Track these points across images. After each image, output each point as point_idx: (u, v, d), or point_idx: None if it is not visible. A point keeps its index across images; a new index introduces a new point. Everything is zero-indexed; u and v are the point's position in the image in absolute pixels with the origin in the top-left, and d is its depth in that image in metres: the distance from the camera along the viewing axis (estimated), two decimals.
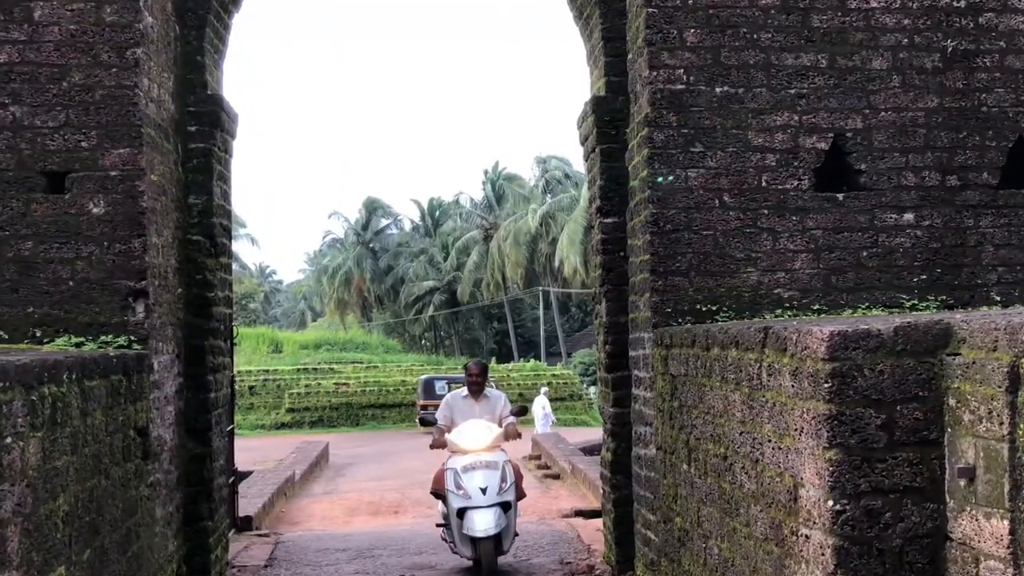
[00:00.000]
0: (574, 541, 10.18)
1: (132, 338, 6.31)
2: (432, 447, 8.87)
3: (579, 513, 12.07)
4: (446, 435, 8.62)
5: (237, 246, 58.97)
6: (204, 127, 7.70)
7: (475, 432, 8.48)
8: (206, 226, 7.70)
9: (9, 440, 4.06)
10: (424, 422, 9.52)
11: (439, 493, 8.56)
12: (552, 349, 56.39)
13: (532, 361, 46.54)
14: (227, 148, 8.22)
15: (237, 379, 22.67)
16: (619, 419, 7.99)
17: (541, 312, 56.09)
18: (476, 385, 8.95)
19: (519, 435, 8.94)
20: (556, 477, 17.11)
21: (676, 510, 6.28)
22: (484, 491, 8.03)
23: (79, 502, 4.91)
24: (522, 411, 9.24)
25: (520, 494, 8.53)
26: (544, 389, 28.65)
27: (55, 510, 4.56)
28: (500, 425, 8.70)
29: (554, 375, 39.94)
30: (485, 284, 56.74)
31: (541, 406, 26.95)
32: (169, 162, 7.16)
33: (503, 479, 8.15)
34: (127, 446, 5.83)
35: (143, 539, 6.05)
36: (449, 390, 34.98)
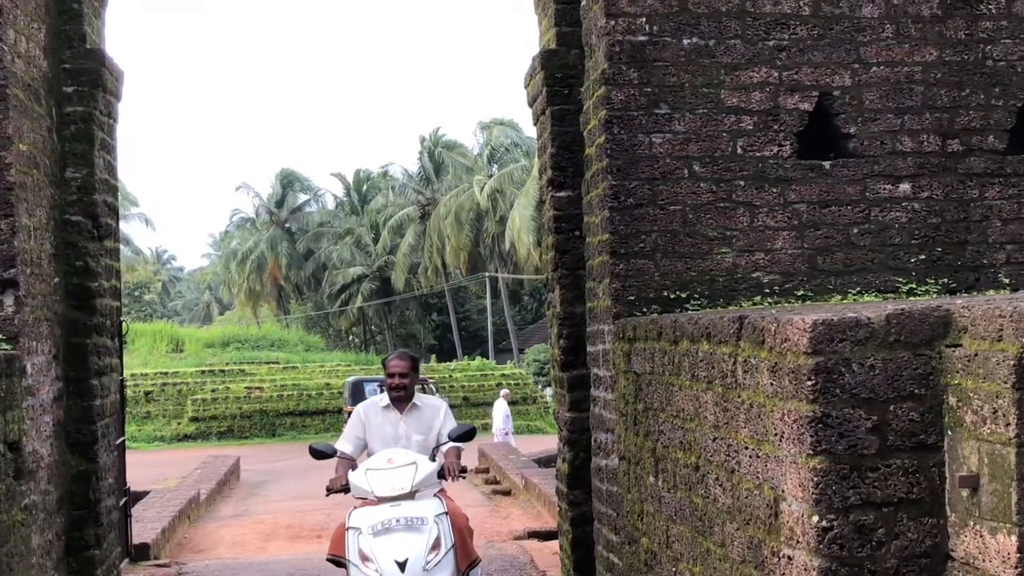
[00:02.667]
0: (527, 567, 10.20)
1: (0, 337, 6.21)
2: (328, 491, 6.72)
3: (533, 535, 12.11)
4: (350, 473, 6.54)
5: (126, 227, 58.41)
6: (83, 87, 7.58)
7: (392, 472, 6.37)
8: (87, 204, 7.59)
9: None
10: (317, 452, 6.87)
11: (339, 560, 6.52)
12: (502, 345, 56.45)
13: (479, 359, 46.53)
14: (111, 112, 8.09)
15: (129, 383, 22.42)
16: (576, 425, 8.00)
17: (488, 302, 56.10)
18: (401, 390, 6.89)
19: (464, 470, 6.80)
20: (507, 493, 17.13)
21: (642, 529, 6.31)
22: (403, 566, 6.04)
23: None
24: (469, 433, 6.71)
25: (470, 559, 6.55)
26: (504, 392, 28.64)
27: None
28: (436, 453, 6.70)
29: (504, 375, 39.99)
30: (423, 270, 56.62)
31: (503, 414, 26.91)
32: (41, 129, 7.03)
33: (435, 545, 6.17)
34: None
35: (17, 572, 5.95)
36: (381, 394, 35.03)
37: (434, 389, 34.87)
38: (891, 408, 3.93)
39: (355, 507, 6.50)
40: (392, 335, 61.53)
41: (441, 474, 6.53)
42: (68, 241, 7.47)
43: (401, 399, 6.95)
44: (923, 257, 7.00)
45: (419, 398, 7.08)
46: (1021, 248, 7.10)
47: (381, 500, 6.29)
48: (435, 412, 7.06)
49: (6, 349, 6.16)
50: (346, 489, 6.51)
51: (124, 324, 8.78)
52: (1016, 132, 7.14)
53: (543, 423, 36.79)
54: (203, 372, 39.79)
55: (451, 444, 6.75)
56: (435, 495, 6.53)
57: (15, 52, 6.47)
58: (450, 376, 39.60)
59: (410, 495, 6.31)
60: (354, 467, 6.74)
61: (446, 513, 6.39)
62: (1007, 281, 7.03)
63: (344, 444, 7.01)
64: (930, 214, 7.02)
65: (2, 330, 6.23)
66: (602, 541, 7.56)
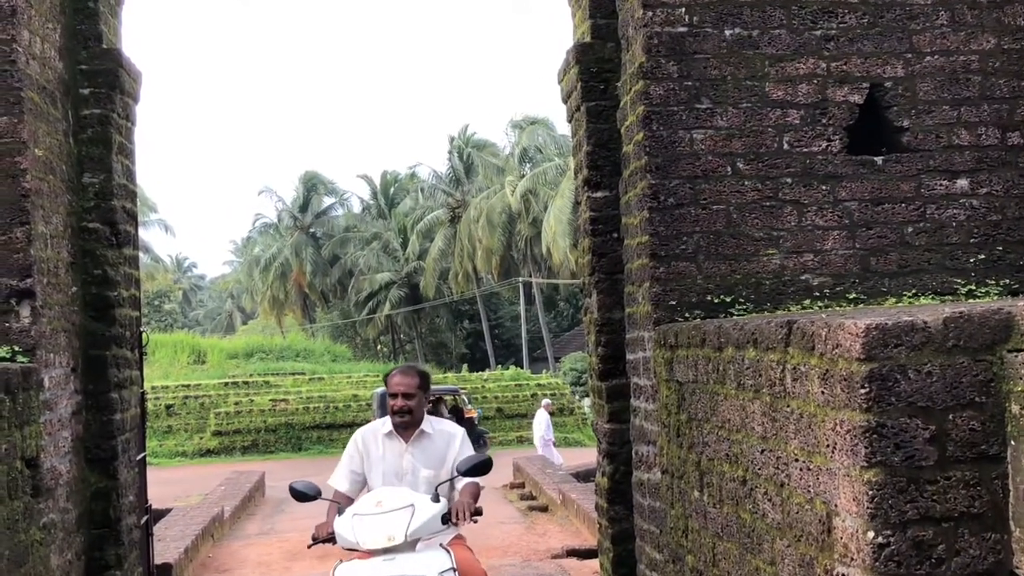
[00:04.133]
0: None
1: (16, 348, 6.28)
2: (313, 541, 5.75)
3: (572, 553, 12.09)
4: (336, 519, 5.54)
5: (145, 234, 58.82)
6: (100, 89, 7.65)
7: (382, 518, 5.33)
8: (105, 210, 7.65)
9: None
10: (297, 493, 5.74)
11: None
12: (537, 353, 56.48)
13: (513, 368, 46.57)
14: (129, 114, 8.17)
15: (150, 396, 22.52)
16: (616, 437, 7.99)
17: (522, 308, 56.10)
18: (405, 414, 5.92)
19: (478, 512, 5.72)
20: (543, 509, 17.11)
21: (687, 547, 6.30)
22: None
23: None
24: (482, 466, 5.71)
25: None
26: (546, 402, 28.68)
27: None
28: (445, 492, 5.71)
29: (539, 385, 39.98)
30: (453, 275, 56.74)
31: (543, 425, 27.04)
32: (58, 133, 7.10)
33: None
34: (13, 480, 5.78)
35: None
36: None
37: (466, 400, 34.97)
38: (950, 417, 3.90)
39: (339, 562, 5.50)
40: (422, 344, 61.71)
41: (447, 518, 5.44)
42: (86, 249, 7.53)
43: (406, 425, 5.96)
44: (983, 257, 6.95)
45: (429, 423, 6.06)
46: None
47: (372, 553, 5.30)
48: (449, 441, 6.05)
49: (23, 362, 6.23)
50: (332, 539, 5.53)
51: (144, 335, 8.84)
52: None
53: (581, 435, 36.75)
54: (226, 384, 40.04)
55: (467, 480, 5.81)
56: (443, 545, 5.47)
57: (30, 53, 6.54)
58: (483, 386, 39.63)
59: (409, 545, 5.29)
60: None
61: (454, 570, 5.29)
62: None
63: (338, 480, 6.06)
64: (990, 211, 6.97)
65: (19, 342, 6.30)
66: (644, 560, 7.54)
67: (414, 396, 5.96)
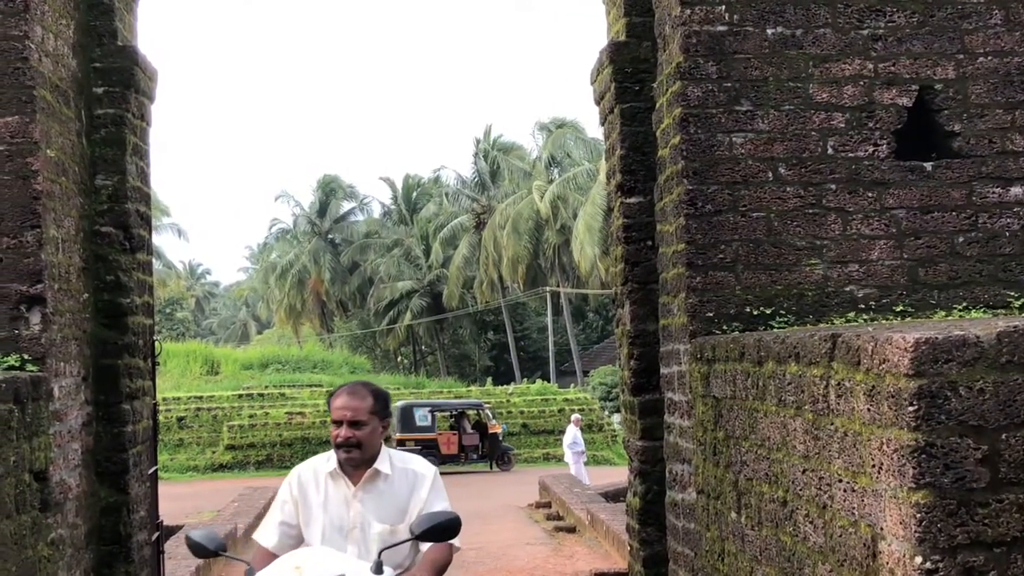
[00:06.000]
0: None
1: (25, 357, 6.31)
2: None
3: None
4: None
5: (158, 239, 59.23)
6: (114, 88, 7.70)
7: None
8: (119, 214, 7.70)
9: None
10: (195, 547, 4.50)
11: None
12: (564, 366, 56.45)
13: (539, 382, 46.58)
14: (144, 114, 8.22)
15: (162, 408, 22.63)
16: (649, 455, 7.98)
17: (550, 319, 56.11)
18: (352, 448, 4.64)
19: None
20: (571, 530, 17.11)
21: (723, 571, 6.28)
22: None
23: None
24: (444, 528, 4.37)
25: None
26: (576, 417, 28.74)
27: None
28: (401, 557, 4.57)
29: (567, 400, 39.96)
30: (477, 284, 56.83)
31: (571, 442, 27.14)
32: (70, 133, 7.16)
33: None
34: (21, 494, 5.82)
35: None
36: (432, 420, 35.38)
37: (491, 415, 35.01)
38: (1003, 437, 3.88)
39: None
40: (444, 355, 61.80)
41: None
42: (98, 254, 7.58)
43: (354, 462, 4.65)
44: None
45: (387, 459, 4.73)
46: None
47: None
48: (413, 485, 4.73)
49: (32, 370, 6.27)
50: None
51: (157, 344, 8.89)
52: None
53: (610, 453, 36.67)
54: (240, 396, 40.21)
55: (427, 546, 4.56)
56: None
57: (43, 50, 6.60)
58: (508, 401, 39.66)
59: None
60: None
61: None
62: None
63: (264, 534, 4.78)
64: None
65: (28, 350, 6.34)
66: None
67: (365, 424, 4.63)
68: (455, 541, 4.50)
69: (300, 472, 4.79)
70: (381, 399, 4.76)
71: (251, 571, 4.32)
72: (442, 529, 4.36)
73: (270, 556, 4.55)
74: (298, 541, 4.70)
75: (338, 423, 4.64)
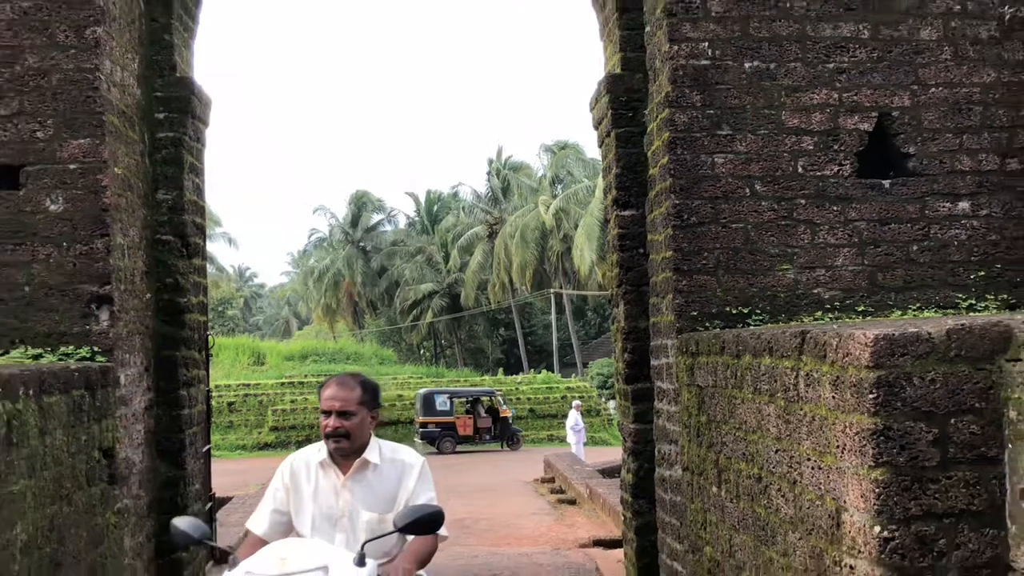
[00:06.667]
0: (592, 574, 10.16)
1: (96, 349, 6.33)
2: None
3: (598, 543, 12.07)
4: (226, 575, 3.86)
5: (212, 246, 59.26)
6: (174, 113, 7.71)
7: None
8: (177, 224, 7.71)
9: None
10: (180, 534, 4.05)
11: None
12: (566, 359, 56.37)
13: (544, 373, 46.56)
14: (199, 137, 8.24)
15: (214, 394, 22.71)
16: (640, 436, 7.97)
17: (553, 317, 56.06)
18: (341, 438, 4.31)
19: None
20: (572, 502, 17.09)
21: (705, 538, 6.27)
22: None
23: (39, 531, 4.92)
24: (427, 521, 3.96)
25: None
26: (576, 403, 28.75)
27: (12, 540, 4.58)
28: (385, 548, 4.21)
29: (569, 388, 39.94)
30: (490, 286, 56.78)
31: (573, 425, 27.21)
32: (135, 153, 7.17)
33: None
34: (91, 469, 5.84)
35: (110, 572, 6.06)
36: (451, 405, 35.40)
37: (502, 401, 34.98)
38: (951, 421, 3.87)
39: None
40: (461, 349, 61.75)
41: None
42: (159, 259, 7.60)
43: (344, 452, 4.30)
44: (982, 274, 6.89)
45: (377, 449, 4.37)
46: None
47: None
48: (402, 475, 4.36)
49: (101, 361, 6.29)
50: None
51: (210, 338, 8.90)
52: None
53: (607, 435, 36.67)
54: (283, 384, 40.27)
55: (411, 538, 4.16)
56: None
57: (111, 81, 6.62)
58: (516, 389, 39.67)
59: None
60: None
61: None
62: None
63: (256, 520, 4.41)
64: (989, 231, 6.91)
65: (98, 343, 6.35)
66: (666, 550, 7.52)
67: (353, 414, 4.27)
68: (443, 531, 4.12)
69: (292, 461, 4.42)
70: (370, 390, 4.37)
71: (235, 560, 3.85)
72: (425, 522, 3.94)
73: (261, 543, 4.19)
74: (289, 528, 4.34)
75: (327, 413, 4.27)
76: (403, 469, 4.35)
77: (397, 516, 3.99)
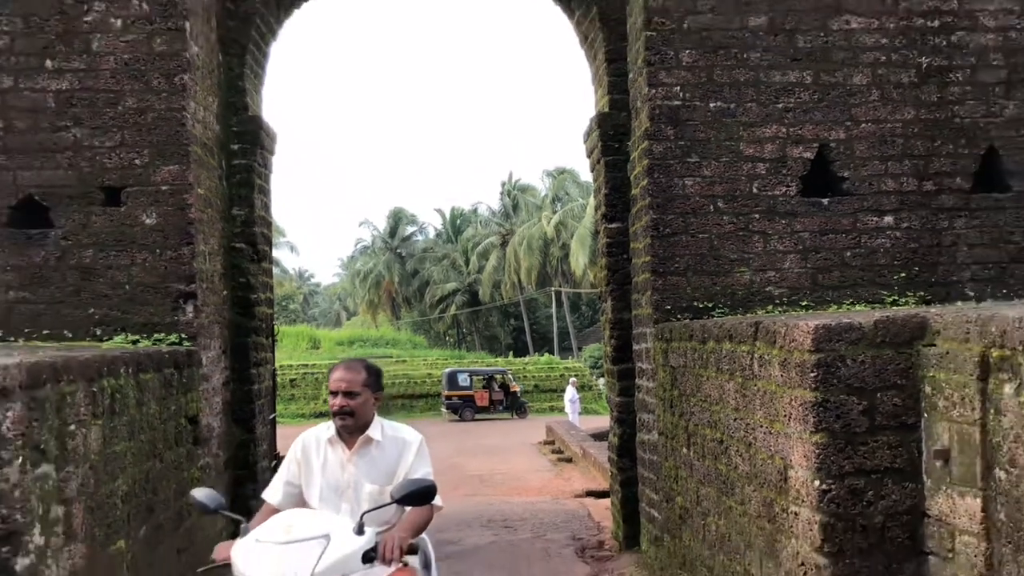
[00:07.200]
0: (585, 519, 10.16)
1: (183, 336, 6.35)
2: (201, 570, 3.56)
3: (590, 493, 12.07)
4: (236, 542, 3.47)
5: (277, 253, 59.28)
6: (246, 145, 7.72)
7: (286, 550, 3.29)
8: (248, 235, 7.72)
9: (73, 427, 4.10)
10: (199, 504, 3.70)
11: None
12: (564, 344, 56.33)
13: (546, 355, 46.48)
14: (267, 164, 8.25)
15: (278, 372, 22.74)
16: (625, 407, 7.97)
17: (554, 310, 56.01)
18: (346, 416, 3.96)
19: (413, 551, 3.65)
20: (569, 461, 17.08)
21: (677, 490, 6.26)
22: None
23: (136, 483, 4.95)
24: (421, 494, 3.60)
25: None
26: (572, 380, 28.72)
27: (115, 490, 4.60)
28: (384, 517, 3.83)
29: (566, 367, 39.89)
30: (503, 285, 56.74)
31: (570, 398, 27.34)
32: (214, 177, 7.19)
33: None
34: (179, 432, 5.86)
35: (194, 517, 6.08)
36: (471, 381, 35.39)
37: (512, 378, 34.93)
38: (878, 395, 3.86)
39: None
40: (479, 336, 61.73)
41: (371, 555, 3.38)
42: (234, 263, 7.60)
43: (349, 429, 3.96)
44: (903, 275, 6.87)
45: (379, 427, 4.01)
46: (983, 267, 6.93)
47: None
48: (402, 450, 3.98)
49: (187, 346, 6.30)
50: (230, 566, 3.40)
51: (276, 327, 8.90)
52: (978, 175, 6.98)
53: (597, 406, 36.57)
54: (334, 364, 40.23)
55: (406, 511, 3.80)
56: None
57: (195, 119, 6.63)
58: (524, 368, 39.61)
59: None
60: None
61: None
62: (972, 294, 6.86)
63: (271, 491, 4.06)
64: (909, 241, 6.89)
65: (185, 331, 6.37)
66: (645, 499, 7.51)
67: (358, 395, 3.94)
68: (437, 501, 3.74)
69: (304, 438, 4.08)
70: (374, 373, 4.02)
71: (246, 528, 3.49)
72: (419, 494, 3.57)
73: (274, 511, 3.83)
74: (301, 499, 3.99)
75: (334, 393, 3.93)
76: (403, 446, 3.98)
77: (394, 489, 3.65)
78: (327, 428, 4.05)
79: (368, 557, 3.34)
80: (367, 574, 3.36)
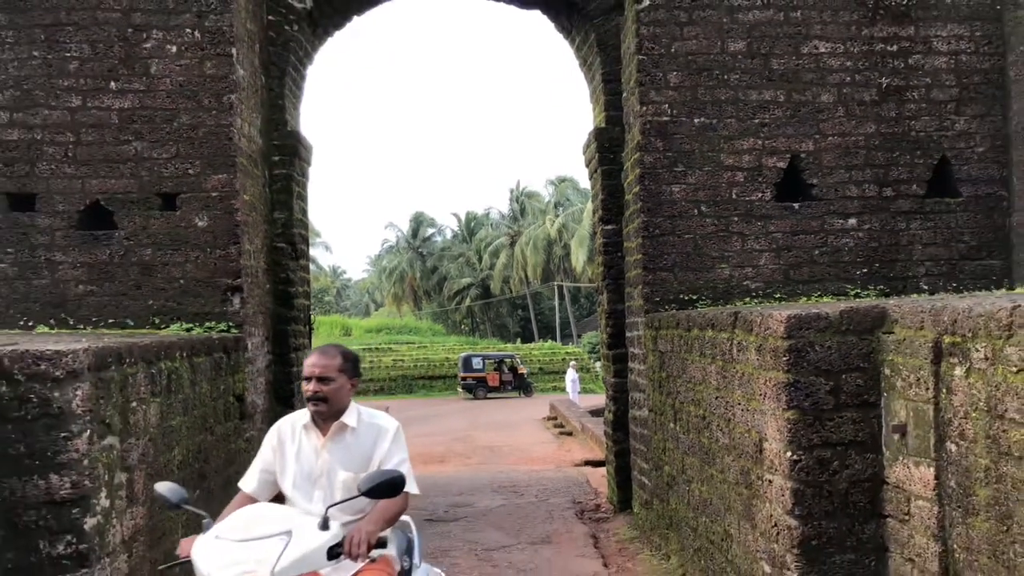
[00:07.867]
0: (584, 485, 10.16)
1: (230, 324, 6.37)
2: (163, 567, 3.20)
3: (588, 463, 12.07)
4: (198, 539, 2.93)
5: (314, 251, 59.36)
6: (285, 157, 7.72)
7: (245, 548, 2.78)
8: (288, 235, 7.73)
9: (134, 404, 4.11)
10: (161, 499, 3.18)
11: None
12: (565, 332, 56.33)
13: (550, 342, 46.50)
14: (304, 173, 8.25)
15: None
16: (619, 387, 7.96)
17: (556, 302, 56.00)
18: (320, 401, 3.37)
19: (382, 545, 3.06)
20: (569, 434, 17.09)
21: (665, 460, 6.25)
22: None
23: (190, 453, 4.96)
24: (389, 486, 2.97)
25: None
26: (573, 363, 28.74)
27: (171, 460, 4.61)
28: (351, 510, 3.26)
29: (567, 352, 39.90)
30: (511, 280, 56.74)
31: (571, 379, 27.36)
32: (258, 185, 7.19)
33: None
34: (227, 409, 5.88)
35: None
36: (483, 364, 35.47)
37: (519, 361, 34.93)
38: (843, 376, 3.84)
39: None
40: (490, 325, 61.75)
41: (337, 551, 2.88)
42: (275, 260, 7.61)
43: (324, 415, 3.39)
44: (865, 271, 6.83)
45: (355, 413, 3.43)
46: (936, 264, 6.90)
47: None
48: (377, 437, 3.40)
49: (235, 333, 6.32)
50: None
51: (312, 316, 8.92)
52: (932, 182, 6.94)
53: (595, 386, 36.55)
54: (364, 349, 40.34)
55: (378, 504, 3.20)
56: None
57: (241, 133, 6.64)
58: (530, 353, 39.63)
59: None
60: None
61: None
62: (926, 287, 6.83)
63: (246, 479, 3.46)
64: (870, 240, 6.85)
65: (232, 320, 6.39)
66: (636, 468, 7.50)
67: (332, 380, 3.36)
68: (413, 488, 3.26)
69: (280, 424, 3.48)
70: (350, 360, 3.45)
71: (208, 524, 2.99)
72: (387, 486, 2.97)
73: (248, 499, 3.36)
74: (276, 487, 3.42)
75: (307, 379, 3.34)
76: (378, 432, 3.39)
77: (360, 481, 3.08)
78: (303, 414, 3.43)
79: (334, 553, 2.84)
80: (335, 570, 2.93)
